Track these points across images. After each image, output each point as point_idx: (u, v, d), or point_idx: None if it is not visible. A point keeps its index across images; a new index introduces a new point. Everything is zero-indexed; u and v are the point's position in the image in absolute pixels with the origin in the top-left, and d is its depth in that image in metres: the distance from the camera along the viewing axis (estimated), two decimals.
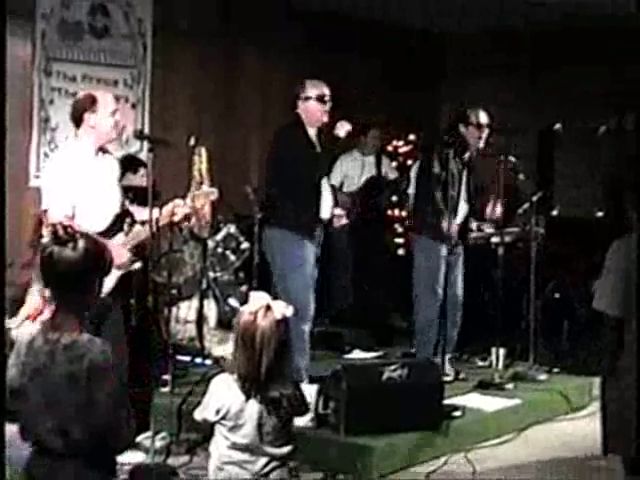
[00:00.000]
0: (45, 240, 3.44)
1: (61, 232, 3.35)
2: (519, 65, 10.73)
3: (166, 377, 6.53)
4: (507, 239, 7.46)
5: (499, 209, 7.29)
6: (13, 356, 3.38)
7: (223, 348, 7.46)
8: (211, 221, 7.48)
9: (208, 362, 7.30)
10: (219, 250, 7.73)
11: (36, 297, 5.33)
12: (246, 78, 9.66)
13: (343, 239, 8.84)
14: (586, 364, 7.66)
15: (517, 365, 7.61)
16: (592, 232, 8.60)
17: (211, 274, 7.68)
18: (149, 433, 5.60)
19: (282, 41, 9.73)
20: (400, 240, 9.78)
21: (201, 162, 6.97)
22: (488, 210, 7.34)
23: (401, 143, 10.20)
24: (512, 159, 7.34)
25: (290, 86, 9.85)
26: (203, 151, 7.04)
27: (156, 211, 5.68)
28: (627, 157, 9.49)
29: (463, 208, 7.44)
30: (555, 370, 7.74)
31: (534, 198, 7.48)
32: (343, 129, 6.54)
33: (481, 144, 7.35)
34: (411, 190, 7.94)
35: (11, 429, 3.38)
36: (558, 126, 8.10)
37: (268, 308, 4.25)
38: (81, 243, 3.36)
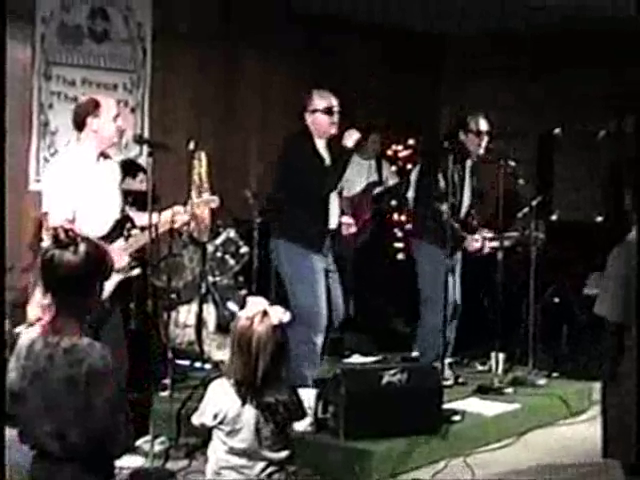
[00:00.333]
0: (46, 243, 3.44)
1: (62, 235, 3.35)
2: (519, 68, 10.72)
3: (165, 381, 6.53)
4: (506, 244, 7.45)
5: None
6: (13, 359, 3.37)
7: (222, 352, 7.46)
8: (210, 225, 7.47)
9: (207, 366, 7.29)
10: (218, 254, 7.72)
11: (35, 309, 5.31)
12: (246, 82, 9.66)
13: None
14: (585, 369, 7.67)
15: (516, 370, 7.61)
16: (592, 236, 8.60)
17: (210, 278, 7.67)
18: (148, 437, 5.60)
19: (282, 45, 9.73)
20: (400, 245, 9.77)
21: (201, 166, 6.96)
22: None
23: (401, 147, 10.20)
24: (512, 163, 7.34)
25: (290, 90, 9.93)
26: (203, 155, 7.02)
27: (155, 216, 5.68)
28: (627, 160, 9.51)
29: (463, 214, 7.44)
30: (554, 375, 7.75)
31: (534, 202, 7.48)
32: (351, 138, 6.51)
33: (481, 151, 7.35)
34: (410, 194, 7.93)
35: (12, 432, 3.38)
36: (558, 130, 8.11)
37: (265, 313, 4.25)
38: (82, 247, 3.36)
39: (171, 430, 6.05)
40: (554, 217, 8.08)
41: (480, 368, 7.85)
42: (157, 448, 5.68)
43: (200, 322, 7.50)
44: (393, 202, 8.91)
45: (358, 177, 9.37)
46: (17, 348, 3.39)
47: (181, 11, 8.90)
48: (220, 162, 8.38)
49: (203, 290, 7.57)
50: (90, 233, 4.95)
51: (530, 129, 10.51)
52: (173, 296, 7.25)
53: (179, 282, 7.46)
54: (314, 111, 6.58)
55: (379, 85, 10.59)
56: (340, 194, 8.96)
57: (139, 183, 7.11)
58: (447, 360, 7.12)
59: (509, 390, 7.14)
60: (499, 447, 6.42)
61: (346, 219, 6.96)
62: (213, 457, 4.30)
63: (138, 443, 5.65)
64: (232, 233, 7.79)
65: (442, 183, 7.13)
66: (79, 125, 5.67)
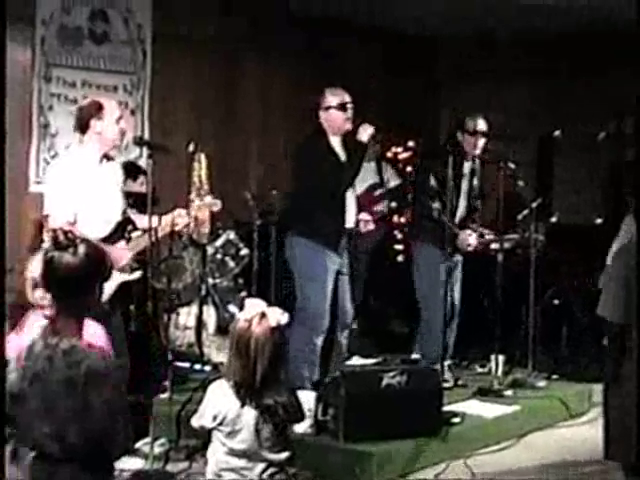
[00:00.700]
0: (45, 245, 3.44)
1: (61, 237, 3.35)
2: (519, 71, 10.72)
3: (165, 383, 6.52)
4: (506, 245, 7.45)
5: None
6: (13, 361, 3.37)
7: (222, 354, 7.45)
8: (210, 227, 7.47)
9: (207, 368, 7.29)
10: (218, 256, 7.73)
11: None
12: (246, 84, 9.66)
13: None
14: (586, 371, 7.67)
15: (516, 372, 7.61)
16: (591, 238, 8.60)
17: (210, 280, 7.67)
18: (148, 439, 5.60)
19: (282, 47, 9.73)
20: (400, 247, 9.77)
21: (201, 168, 6.96)
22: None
23: (401, 149, 10.19)
24: (512, 165, 7.34)
25: (290, 92, 9.93)
26: (203, 157, 7.02)
27: (157, 219, 5.68)
28: (626, 162, 9.51)
29: (462, 215, 7.44)
30: (554, 377, 7.74)
31: (533, 205, 7.48)
32: (366, 132, 6.52)
33: (477, 151, 7.35)
34: (410, 195, 7.93)
35: None
36: (558, 133, 8.10)
37: (263, 315, 4.26)
38: (81, 248, 3.36)
39: (171, 432, 6.04)
40: (554, 219, 8.06)
41: (480, 370, 7.85)
42: (157, 450, 5.67)
43: (200, 324, 7.50)
44: (393, 204, 8.90)
45: (360, 179, 9.36)
46: (17, 349, 3.39)
47: (181, 13, 8.90)
48: (220, 164, 8.38)
49: (203, 292, 7.57)
50: (92, 235, 4.98)
51: (530, 131, 10.51)
52: (173, 298, 7.25)
53: (179, 284, 7.46)
54: (328, 108, 6.61)
55: (379, 87, 10.58)
56: None
57: (139, 185, 7.11)
58: (447, 362, 7.11)
59: (509, 392, 7.13)
60: (499, 449, 6.41)
61: (363, 216, 6.96)
62: (213, 459, 4.31)
63: (138, 445, 5.64)
64: (232, 235, 7.79)
65: (433, 180, 7.15)
66: (82, 127, 5.67)
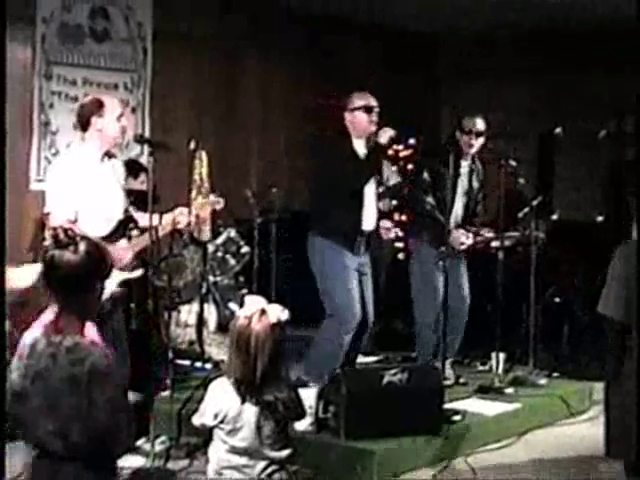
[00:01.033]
0: (46, 243, 3.44)
1: (62, 235, 3.35)
2: (519, 68, 10.72)
3: (166, 381, 6.52)
4: (507, 243, 7.44)
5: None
6: (16, 359, 3.38)
7: (223, 352, 7.46)
8: (211, 225, 7.47)
9: (208, 366, 7.29)
10: (219, 254, 7.72)
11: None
12: (246, 81, 9.66)
13: None
14: (586, 369, 7.67)
15: (517, 369, 7.61)
16: (592, 236, 8.60)
17: (211, 278, 7.67)
18: (149, 437, 5.59)
19: (282, 44, 9.74)
20: (400, 244, 9.77)
21: (202, 166, 6.97)
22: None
23: (401, 147, 10.19)
24: (512, 163, 7.33)
25: (291, 89, 9.93)
26: (204, 155, 7.03)
27: (156, 217, 5.68)
28: (626, 162, 9.50)
29: (459, 214, 7.43)
30: (555, 374, 7.74)
31: (534, 202, 7.48)
32: (385, 135, 6.55)
33: (473, 151, 7.34)
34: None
35: None
36: (558, 130, 8.10)
37: (263, 312, 4.25)
38: (82, 246, 3.36)
39: (172, 430, 6.05)
40: (555, 217, 8.06)
41: (481, 368, 7.85)
42: (158, 448, 5.67)
43: (201, 322, 7.50)
44: (394, 202, 8.89)
45: None
46: (19, 347, 3.39)
47: (181, 10, 8.91)
48: (221, 162, 8.40)
49: (204, 290, 7.57)
50: (93, 233, 4.97)
51: (530, 129, 10.51)
52: (174, 296, 7.25)
53: (180, 282, 7.46)
54: (353, 110, 6.64)
55: (379, 84, 10.57)
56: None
57: (140, 183, 7.11)
58: (448, 360, 7.11)
59: (510, 390, 7.13)
60: (500, 447, 6.41)
61: (385, 223, 6.97)
62: (214, 457, 4.30)
63: (139, 443, 5.64)
64: (233, 233, 7.79)
65: (426, 174, 7.17)
66: (83, 125, 5.67)
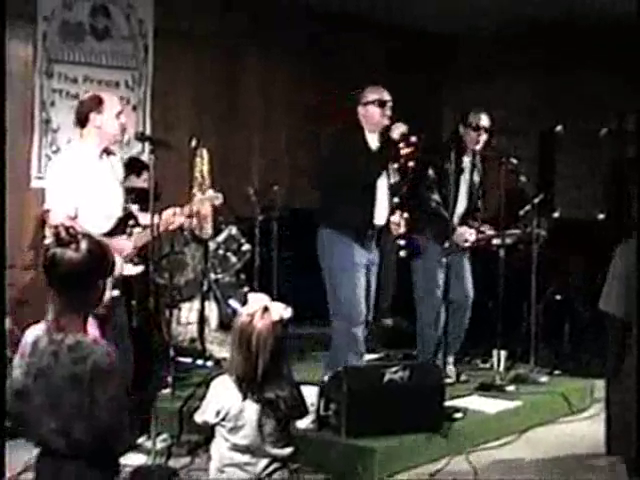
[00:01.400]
0: (48, 241, 3.44)
1: (63, 233, 3.35)
2: (520, 66, 10.72)
3: (167, 379, 6.53)
4: (508, 241, 7.44)
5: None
6: (18, 357, 3.38)
7: (224, 350, 7.46)
8: (212, 223, 7.47)
9: (209, 364, 7.30)
10: (220, 252, 7.73)
11: None
12: (247, 79, 9.65)
13: None
14: (587, 366, 7.67)
15: (518, 367, 7.61)
16: (593, 234, 8.60)
17: (212, 276, 7.67)
18: (151, 435, 5.59)
19: (283, 42, 9.73)
20: (402, 242, 9.76)
21: (203, 163, 6.97)
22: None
23: (402, 144, 10.17)
24: (513, 161, 7.33)
25: (292, 87, 9.92)
26: (205, 152, 7.03)
27: (156, 217, 5.67)
28: (628, 159, 9.50)
29: (462, 210, 7.43)
30: (556, 372, 7.74)
31: (535, 200, 7.47)
32: (398, 130, 6.55)
33: (478, 147, 7.33)
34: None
35: None
36: (559, 128, 8.10)
37: (265, 309, 4.25)
38: (84, 244, 3.36)
39: (173, 427, 6.06)
40: (556, 215, 8.06)
41: (482, 365, 7.85)
42: (159, 445, 5.67)
43: (202, 319, 7.51)
44: (395, 199, 8.89)
45: None
46: (21, 345, 3.40)
47: (183, 8, 8.90)
48: (222, 159, 8.40)
49: (205, 287, 7.57)
50: (93, 230, 4.98)
51: (531, 127, 10.51)
52: (175, 293, 7.25)
53: (181, 279, 7.46)
54: (366, 103, 6.64)
55: (381, 84, 10.57)
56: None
57: (142, 181, 7.11)
58: (449, 357, 7.11)
59: (511, 388, 7.13)
60: (501, 444, 6.41)
61: (395, 218, 6.95)
62: (216, 455, 4.30)
63: (140, 440, 5.65)
64: (234, 230, 7.79)
65: (431, 172, 7.16)
66: (82, 121, 5.66)
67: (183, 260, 7.48)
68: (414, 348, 7.63)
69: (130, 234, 5.63)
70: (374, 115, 6.63)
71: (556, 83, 10.47)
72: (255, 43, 9.56)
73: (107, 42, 8.39)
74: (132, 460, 5.42)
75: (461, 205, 7.40)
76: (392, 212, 6.96)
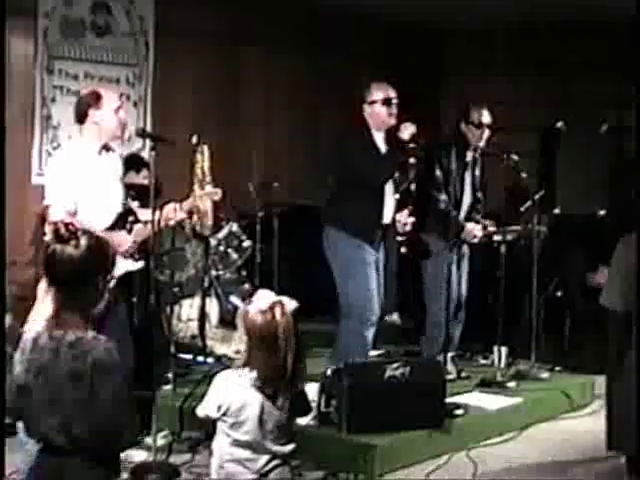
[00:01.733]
0: (47, 238, 3.44)
1: (62, 230, 3.35)
2: (521, 62, 10.71)
3: (168, 375, 6.52)
4: (509, 237, 7.44)
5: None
6: (18, 353, 3.38)
7: (225, 346, 7.46)
8: (213, 219, 7.47)
9: (210, 360, 7.30)
10: (221, 248, 7.72)
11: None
12: (248, 75, 9.65)
13: None
14: (588, 362, 7.66)
15: (519, 363, 7.61)
16: (595, 230, 8.59)
17: (213, 272, 7.67)
18: (152, 431, 5.59)
19: (285, 38, 9.72)
20: (402, 238, 9.76)
21: (203, 160, 6.96)
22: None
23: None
24: (514, 157, 7.32)
25: (293, 83, 9.92)
26: (205, 149, 7.02)
27: (156, 213, 5.67)
28: (628, 155, 9.49)
29: (467, 207, 7.42)
30: (557, 368, 7.74)
31: (536, 196, 7.47)
32: (407, 131, 6.51)
33: (482, 143, 7.32)
34: (413, 186, 7.91)
35: None
36: (561, 124, 8.08)
37: (281, 305, 4.22)
38: (83, 240, 3.36)
39: (174, 424, 6.06)
40: (557, 211, 8.06)
41: (483, 362, 7.86)
42: (160, 442, 5.68)
43: (203, 316, 7.51)
44: (397, 196, 8.89)
45: None
46: (22, 342, 3.39)
47: (183, 4, 8.89)
48: (223, 156, 8.38)
49: (206, 284, 7.57)
50: (93, 225, 4.97)
51: (533, 123, 10.49)
52: (176, 290, 7.25)
53: (182, 276, 7.46)
54: (372, 103, 6.61)
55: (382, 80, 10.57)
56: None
57: (142, 178, 7.11)
58: (450, 354, 7.11)
59: (512, 384, 7.13)
60: (502, 441, 6.41)
61: (401, 215, 6.92)
62: (218, 451, 4.29)
63: (141, 437, 5.65)
64: (235, 227, 7.78)
65: (439, 172, 7.15)
66: (81, 117, 5.65)
67: (184, 257, 7.48)
68: (415, 344, 7.63)
69: (130, 230, 5.63)
70: (380, 114, 6.60)
71: (557, 79, 10.46)
72: (256, 40, 9.55)
73: (108, 38, 8.39)
74: (133, 457, 5.42)
75: (466, 201, 7.40)
76: (398, 209, 6.95)
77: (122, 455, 3.63)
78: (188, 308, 7.64)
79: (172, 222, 5.88)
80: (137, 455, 5.52)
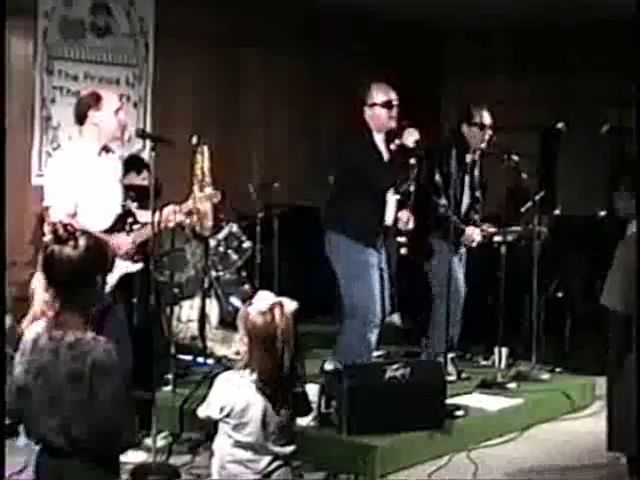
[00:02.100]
0: (46, 239, 3.43)
1: (61, 231, 3.34)
2: (522, 62, 10.71)
3: (168, 376, 6.52)
4: (510, 238, 7.43)
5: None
6: (18, 354, 3.38)
7: (225, 347, 7.46)
8: (213, 220, 7.46)
9: (210, 361, 7.29)
10: (221, 249, 7.72)
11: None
12: (248, 76, 9.65)
13: None
14: (589, 363, 7.65)
15: (520, 364, 7.60)
16: (595, 231, 8.58)
17: (213, 273, 7.67)
18: (151, 432, 5.59)
19: (284, 39, 9.72)
20: (402, 239, 9.74)
21: (203, 161, 6.95)
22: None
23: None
24: (515, 158, 7.31)
25: (293, 84, 9.91)
26: (205, 150, 7.01)
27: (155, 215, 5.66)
28: (629, 156, 9.49)
29: (465, 208, 7.41)
30: (558, 369, 7.73)
31: (537, 197, 7.46)
32: (412, 137, 6.48)
33: (483, 145, 7.31)
34: (412, 188, 7.89)
35: None
36: (561, 124, 8.07)
37: (281, 305, 4.21)
38: (82, 241, 3.35)
39: (174, 425, 6.05)
40: (557, 212, 8.05)
41: (483, 363, 7.85)
42: (160, 443, 5.67)
43: (203, 317, 7.50)
44: (397, 196, 8.88)
45: None
46: (22, 343, 3.39)
47: (183, 5, 8.89)
48: (223, 156, 8.37)
49: (206, 285, 7.56)
50: (92, 227, 4.97)
51: (533, 121, 10.49)
52: (176, 291, 7.24)
53: (182, 277, 7.46)
54: (372, 105, 6.58)
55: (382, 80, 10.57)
56: None
57: (142, 179, 7.10)
58: (450, 355, 7.10)
59: (512, 385, 7.12)
60: (502, 442, 6.41)
61: (403, 214, 6.90)
62: (219, 451, 4.28)
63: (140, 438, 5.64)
64: (235, 228, 7.78)
65: (438, 176, 7.13)
66: (80, 118, 5.65)
67: (184, 257, 7.48)
68: (415, 345, 7.62)
69: (129, 232, 5.62)
70: (381, 117, 6.58)
71: (558, 79, 10.45)
72: (256, 40, 9.55)
73: (108, 39, 8.38)
74: (133, 458, 5.41)
75: (465, 202, 7.39)
76: (398, 209, 6.94)
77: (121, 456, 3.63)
78: (188, 309, 7.63)
79: (171, 224, 5.88)
80: (137, 456, 5.51)
